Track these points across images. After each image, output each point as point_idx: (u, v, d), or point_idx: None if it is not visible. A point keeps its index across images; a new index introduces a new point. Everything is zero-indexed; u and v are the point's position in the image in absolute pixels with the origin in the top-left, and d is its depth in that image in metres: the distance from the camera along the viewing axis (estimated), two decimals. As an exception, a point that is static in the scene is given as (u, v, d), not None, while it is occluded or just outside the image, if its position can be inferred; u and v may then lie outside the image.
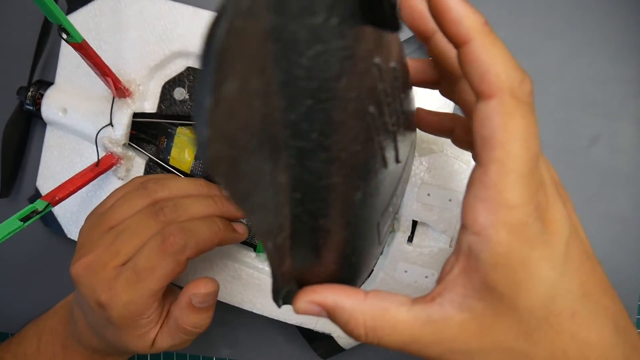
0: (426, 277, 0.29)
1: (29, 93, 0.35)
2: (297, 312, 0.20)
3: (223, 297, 0.34)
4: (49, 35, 0.36)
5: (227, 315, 0.38)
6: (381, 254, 0.31)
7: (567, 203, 0.20)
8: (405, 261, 0.29)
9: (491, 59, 0.17)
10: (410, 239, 0.30)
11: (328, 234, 0.19)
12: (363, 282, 0.24)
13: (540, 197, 0.17)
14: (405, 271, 0.30)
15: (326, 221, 0.19)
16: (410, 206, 0.29)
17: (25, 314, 0.36)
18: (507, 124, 0.17)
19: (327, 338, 0.35)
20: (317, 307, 0.20)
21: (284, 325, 0.36)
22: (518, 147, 0.17)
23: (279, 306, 0.20)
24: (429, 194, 0.28)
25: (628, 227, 0.35)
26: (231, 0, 0.12)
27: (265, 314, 0.34)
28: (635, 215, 0.35)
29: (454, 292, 0.18)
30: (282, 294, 0.20)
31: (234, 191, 0.14)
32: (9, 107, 0.37)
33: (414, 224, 0.29)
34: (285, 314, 0.34)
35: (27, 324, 0.34)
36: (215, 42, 0.12)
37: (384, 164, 0.19)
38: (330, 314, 0.20)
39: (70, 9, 0.34)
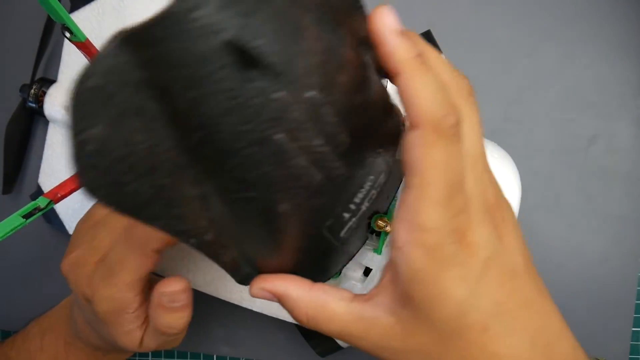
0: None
1: (32, 90, 0.35)
2: (252, 296, 0.23)
3: (222, 294, 0.34)
4: (52, 34, 0.36)
5: (226, 314, 0.38)
6: (377, 253, 0.31)
7: (503, 223, 0.21)
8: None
9: (417, 92, 0.18)
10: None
11: (254, 237, 0.22)
12: (328, 277, 0.26)
13: (461, 220, 0.19)
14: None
15: (249, 226, 0.21)
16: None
17: (28, 312, 0.36)
18: (426, 154, 0.18)
19: (325, 336, 0.35)
20: (269, 294, 0.23)
21: (284, 324, 0.36)
22: (435, 176, 0.18)
23: (242, 284, 0.24)
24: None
25: (627, 227, 0.35)
26: (91, 64, 0.15)
27: (264, 312, 0.35)
28: (634, 215, 0.35)
29: (384, 296, 0.21)
30: (242, 275, 0.23)
31: (122, 208, 0.18)
32: (12, 104, 0.37)
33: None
34: (284, 312, 0.34)
35: (31, 322, 0.34)
36: (74, 99, 0.15)
37: (316, 178, 0.20)
38: (279, 301, 0.23)
39: (74, 8, 0.34)
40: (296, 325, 0.35)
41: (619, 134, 0.35)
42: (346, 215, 0.24)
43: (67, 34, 0.26)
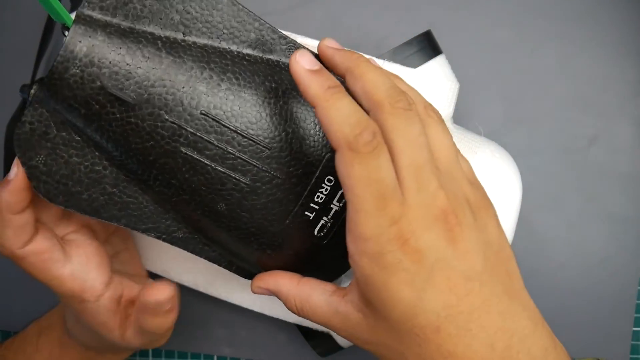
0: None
1: (32, 91, 0.35)
2: (253, 293, 0.27)
3: (223, 295, 0.34)
4: (52, 34, 0.36)
5: (227, 314, 0.38)
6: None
7: (459, 227, 0.21)
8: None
9: (329, 120, 0.21)
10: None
11: (223, 235, 0.26)
12: (337, 275, 0.28)
13: (401, 228, 0.20)
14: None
15: (206, 224, 0.26)
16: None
17: (28, 312, 0.36)
18: (349, 171, 0.20)
19: (325, 336, 0.35)
20: (265, 290, 0.26)
21: (284, 324, 0.36)
22: (361, 190, 0.20)
23: (249, 279, 0.28)
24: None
25: (627, 227, 0.35)
26: (20, 115, 0.24)
27: (265, 312, 0.35)
28: (634, 215, 0.35)
29: (354, 295, 0.23)
30: (243, 272, 0.28)
31: (82, 210, 0.25)
32: (12, 104, 0.37)
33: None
34: (285, 312, 0.34)
35: (31, 322, 0.34)
36: (17, 142, 0.23)
37: (243, 181, 0.24)
38: (275, 295, 0.26)
39: (74, 7, 0.34)
40: (297, 325, 0.35)
41: (619, 134, 0.35)
42: (309, 214, 0.26)
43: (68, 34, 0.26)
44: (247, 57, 0.25)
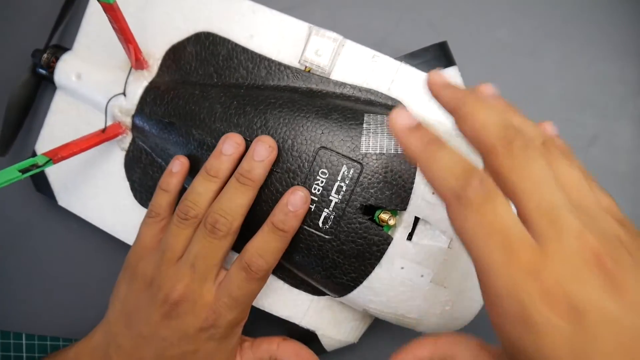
0: (422, 275, 0.29)
1: (45, 55, 0.35)
2: None
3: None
4: (73, 4, 0.37)
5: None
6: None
7: (614, 275, 0.17)
8: (402, 257, 0.29)
9: (432, 174, 0.20)
10: (409, 236, 0.29)
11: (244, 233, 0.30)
12: (363, 274, 0.29)
13: (545, 282, 0.17)
14: (402, 267, 0.29)
15: None
16: (414, 202, 0.28)
17: (28, 312, 0.35)
18: (463, 225, 0.19)
19: (311, 336, 0.33)
20: None
21: (284, 323, 0.34)
22: (482, 243, 0.18)
23: None
24: (433, 192, 0.28)
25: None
26: (128, 146, 0.35)
27: (265, 309, 0.33)
28: (634, 215, 0.34)
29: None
30: None
31: None
32: (21, 68, 0.37)
33: (416, 221, 0.29)
34: (284, 312, 0.33)
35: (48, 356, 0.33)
36: (124, 163, 0.36)
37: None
38: None
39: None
40: (285, 322, 0.33)
41: (619, 134, 0.35)
42: (310, 206, 0.29)
43: (98, -8, 0.27)
44: (260, 87, 0.32)
